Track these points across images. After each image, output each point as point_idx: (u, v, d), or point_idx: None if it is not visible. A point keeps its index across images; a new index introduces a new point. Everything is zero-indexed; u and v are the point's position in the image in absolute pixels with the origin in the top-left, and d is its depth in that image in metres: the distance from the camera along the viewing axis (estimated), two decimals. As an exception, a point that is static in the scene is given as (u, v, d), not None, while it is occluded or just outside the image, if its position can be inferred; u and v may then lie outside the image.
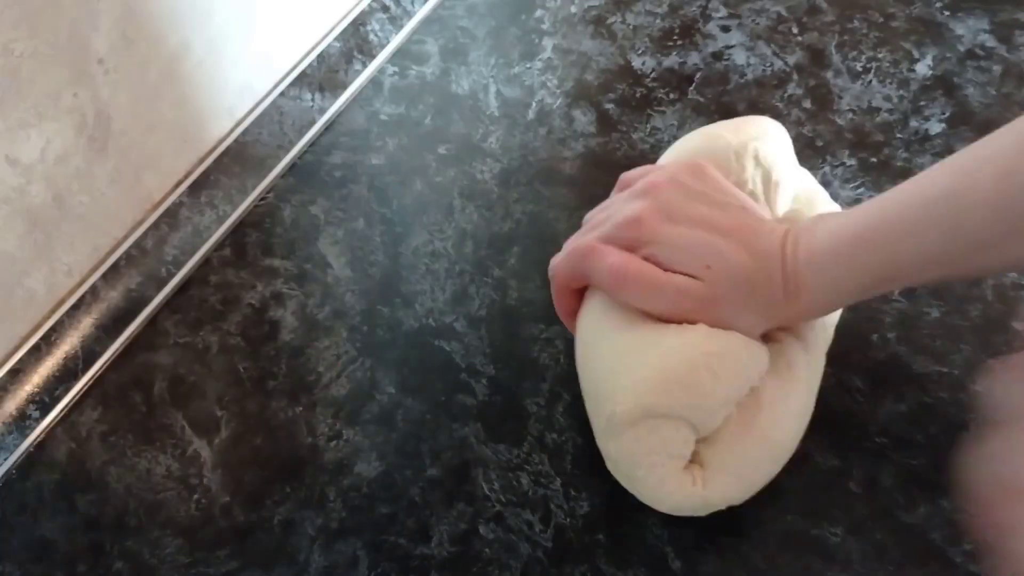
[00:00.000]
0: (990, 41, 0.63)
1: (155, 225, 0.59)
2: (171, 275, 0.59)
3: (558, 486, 0.49)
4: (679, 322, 0.42)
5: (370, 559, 0.47)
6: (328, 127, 0.66)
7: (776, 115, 0.60)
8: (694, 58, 0.66)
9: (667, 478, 0.42)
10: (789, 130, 0.50)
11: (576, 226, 0.58)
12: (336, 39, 0.68)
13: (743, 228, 0.42)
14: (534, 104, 0.65)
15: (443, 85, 0.67)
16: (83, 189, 0.54)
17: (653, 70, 0.66)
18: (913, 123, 0.59)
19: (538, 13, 0.70)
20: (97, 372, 0.56)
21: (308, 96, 0.66)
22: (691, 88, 0.64)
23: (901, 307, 0.52)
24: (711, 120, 0.62)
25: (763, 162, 0.47)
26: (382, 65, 0.69)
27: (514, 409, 0.51)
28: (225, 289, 0.59)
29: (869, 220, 0.40)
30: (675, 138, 0.61)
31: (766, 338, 0.44)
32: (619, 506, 0.47)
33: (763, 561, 0.45)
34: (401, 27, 0.71)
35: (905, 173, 0.56)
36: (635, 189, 0.45)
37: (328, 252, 0.59)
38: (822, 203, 0.49)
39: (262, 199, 0.63)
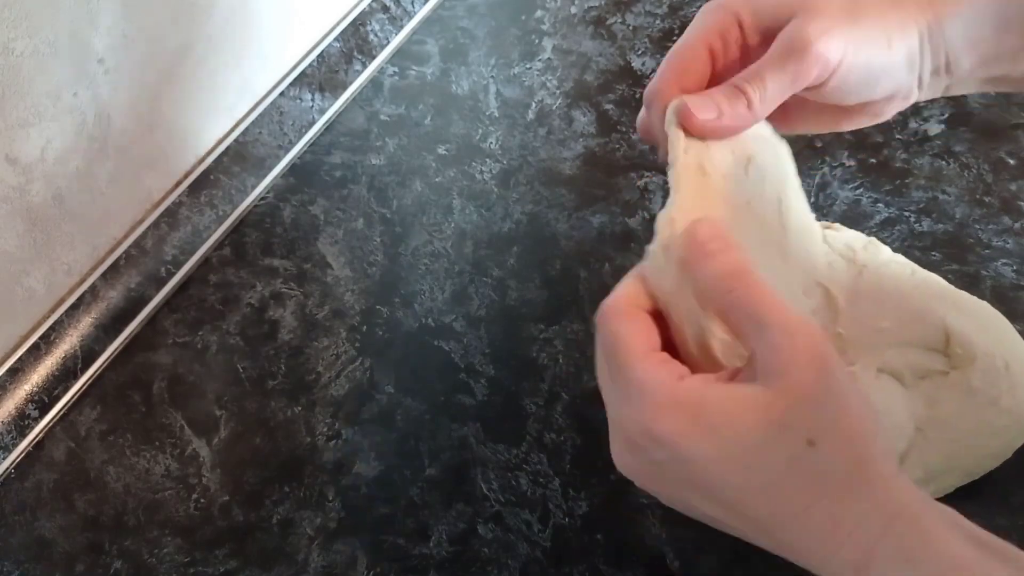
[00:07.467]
0: (990, 42, 0.63)
1: (155, 225, 0.59)
2: (171, 275, 0.59)
3: (557, 486, 0.49)
4: None
5: (369, 559, 0.48)
6: (328, 127, 0.66)
7: (776, 116, 0.60)
8: (694, 59, 0.65)
9: None
10: (788, 131, 0.50)
11: (576, 226, 0.58)
12: (336, 39, 0.68)
13: None
14: (534, 104, 0.65)
15: (443, 85, 0.67)
16: (83, 189, 0.54)
17: (653, 71, 0.65)
18: (912, 124, 0.59)
19: (538, 13, 0.70)
20: (96, 372, 0.56)
21: (308, 96, 0.66)
22: (691, 89, 0.64)
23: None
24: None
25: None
26: (382, 65, 0.69)
27: (513, 409, 0.51)
28: (225, 289, 0.59)
29: None
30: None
31: None
32: (618, 506, 0.47)
33: (762, 561, 0.45)
34: (401, 27, 0.71)
35: (904, 174, 0.56)
36: None
37: (328, 252, 0.60)
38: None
39: (262, 199, 0.63)
